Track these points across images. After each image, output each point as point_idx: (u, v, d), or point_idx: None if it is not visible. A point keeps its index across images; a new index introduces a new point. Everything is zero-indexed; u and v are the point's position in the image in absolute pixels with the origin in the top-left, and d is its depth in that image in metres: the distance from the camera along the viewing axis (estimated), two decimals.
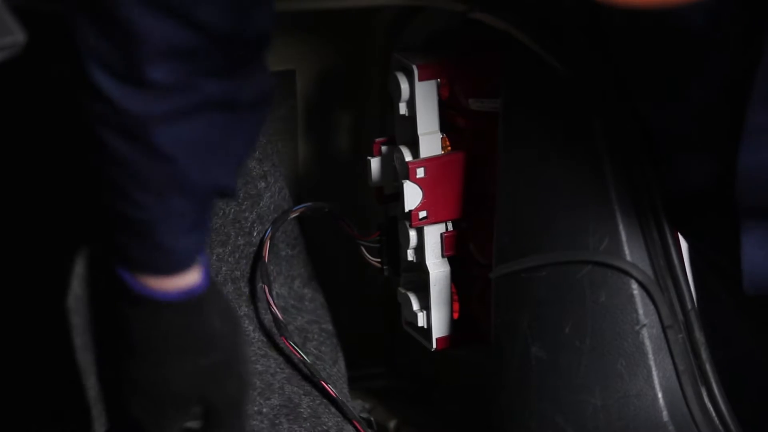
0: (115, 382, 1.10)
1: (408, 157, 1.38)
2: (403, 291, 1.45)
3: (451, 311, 1.41)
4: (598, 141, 1.23)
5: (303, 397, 1.40)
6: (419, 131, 1.36)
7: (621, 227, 1.23)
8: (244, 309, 1.44)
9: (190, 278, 1.05)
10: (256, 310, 1.45)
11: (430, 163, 1.38)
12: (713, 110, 1.09)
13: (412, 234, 1.40)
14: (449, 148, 1.41)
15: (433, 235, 1.40)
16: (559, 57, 1.23)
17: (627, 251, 1.22)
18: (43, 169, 1.29)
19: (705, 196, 1.16)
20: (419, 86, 1.33)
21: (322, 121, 1.63)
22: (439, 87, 1.38)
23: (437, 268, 1.40)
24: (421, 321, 1.42)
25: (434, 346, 1.42)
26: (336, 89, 1.61)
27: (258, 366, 1.39)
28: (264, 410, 1.35)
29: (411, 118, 1.37)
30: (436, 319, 1.40)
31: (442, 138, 1.41)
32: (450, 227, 1.44)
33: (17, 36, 0.96)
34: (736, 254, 1.12)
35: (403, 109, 1.37)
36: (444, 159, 1.41)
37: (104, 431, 1.15)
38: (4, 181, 1.30)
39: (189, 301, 1.05)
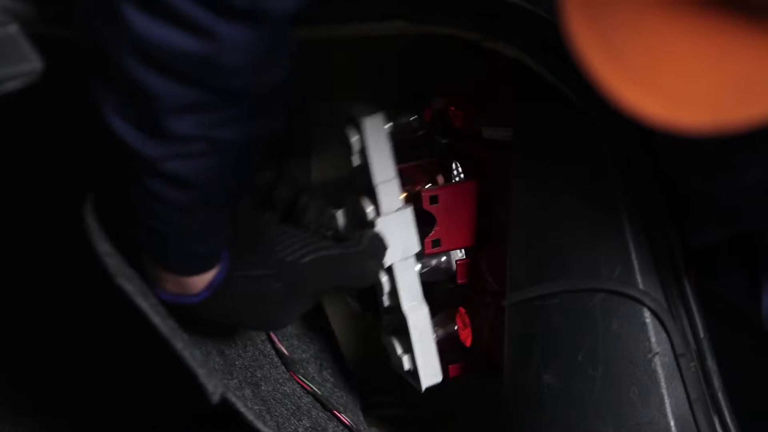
0: None
1: (368, 207, 1.33)
2: (385, 335, 1.41)
3: (436, 350, 1.36)
4: (610, 169, 1.24)
5: (328, 422, 1.40)
6: (375, 180, 1.31)
7: (633, 255, 1.23)
8: (263, 336, 1.44)
9: (212, 273, 1.11)
10: (271, 339, 1.46)
11: (443, 191, 1.39)
12: (764, 192, 1.08)
13: (384, 279, 1.35)
14: (462, 175, 1.42)
15: (407, 277, 1.33)
16: (572, 85, 1.23)
17: (639, 279, 1.22)
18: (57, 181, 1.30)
19: (722, 248, 1.17)
20: (370, 136, 1.28)
21: (334, 146, 1.63)
22: (451, 116, 1.39)
23: (415, 311, 1.35)
24: (407, 364, 1.38)
25: (423, 388, 1.38)
26: (348, 115, 1.62)
27: (286, 388, 1.39)
28: (299, 430, 1.35)
29: (366, 168, 1.33)
30: (421, 361, 1.35)
31: (455, 164, 1.41)
32: (463, 255, 1.45)
33: (34, 63, 0.97)
34: (752, 296, 1.13)
35: (356, 160, 1.34)
36: (457, 187, 1.41)
37: None
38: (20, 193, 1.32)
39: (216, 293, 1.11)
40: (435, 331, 1.34)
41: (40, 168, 1.35)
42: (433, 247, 1.39)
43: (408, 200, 1.26)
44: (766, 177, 1.07)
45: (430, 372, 1.32)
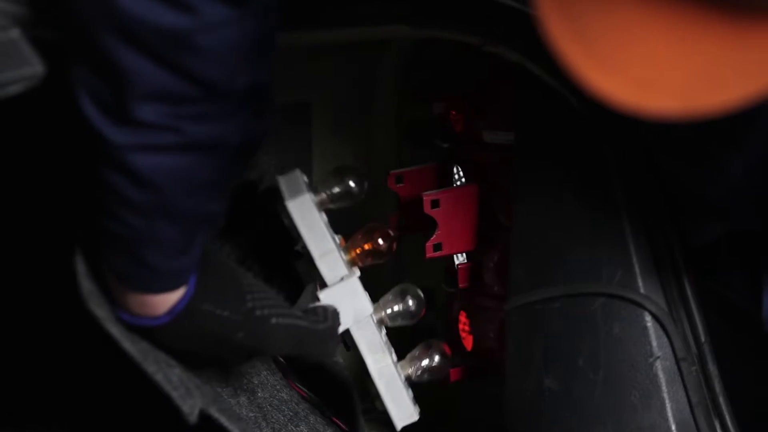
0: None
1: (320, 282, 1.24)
2: (363, 375, 1.34)
3: (407, 393, 1.29)
4: (611, 173, 1.24)
5: (326, 427, 1.40)
6: (313, 255, 1.20)
7: (635, 259, 1.23)
8: None
9: (175, 296, 1.06)
10: None
11: (444, 195, 1.39)
12: (749, 187, 1.09)
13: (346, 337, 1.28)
14: (463, 179, 1.42)
15: (365, 335, 1.25)
16: (573, 90, 1.23)
17: (641, 283, 1.22)
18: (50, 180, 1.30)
19: (722, 247, 1.17)
20: (298, 218, 1.16)
21: (336, 152, 1.63)
22: (452, 121, 1.39)
23: (378, 363, 1.28)
24: (380, 406, 1.32)
25: (398, 429, 1.31)
26: (350, 121, 1.62)
27: (283, 395, 1.39)
28: None
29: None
30: (391, 406, 1.29)
31: (455, 168, 1.41)
32: (464, 259, 1.45)
33: (36, 67, 0.97)
34: (752, 296, 1.13)
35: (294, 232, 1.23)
36: (458, 191, 1.41)
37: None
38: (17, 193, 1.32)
39: (176, 318, 1.07)
40: (415, 365, 1.31)
41: (41, 170, 1.35)
42: (435, 251, 1.39)
43: (357, 259, 1.21)
44: (747, 169, 1.08)
45: (403, 414, 1.28)
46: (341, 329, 1.17)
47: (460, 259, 1.47)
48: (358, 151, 1.64)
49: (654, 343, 1.22)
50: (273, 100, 1.09)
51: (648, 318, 1.22)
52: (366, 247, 1.14)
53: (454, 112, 1.41)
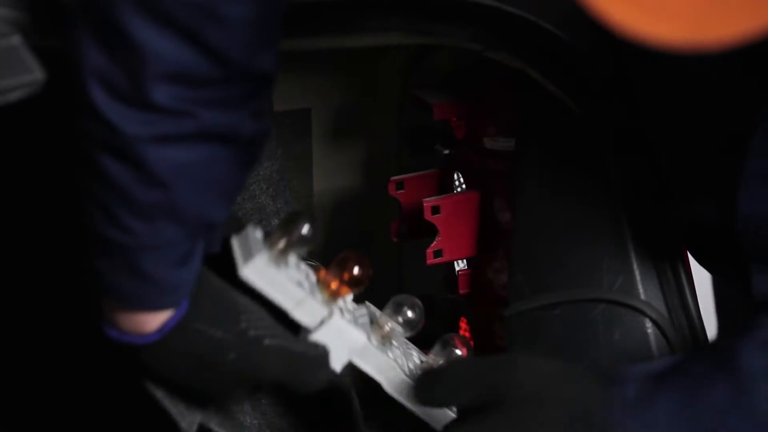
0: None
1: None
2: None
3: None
4: (612, 180, 1.24)
5: None
6: (286, 308, 1.10)
7: (635, 265, 1.23)
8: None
9: (167, 313, 1.02)
10: None
11: (444, 201, 1.39)
12: (718, 157, 1.09)
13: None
14: (464, 186, 1.42)
15: (370, 358, 1.15)
16: (574, 96, 1.23)
17: (641, 290, 1.22)
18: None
19: (713, 235, 1.16)
20: (257, 282, 1.07)
21: (336, 158, 1.63)
22: (453, 127, 1.39)
23: (393, 381, 1.17)
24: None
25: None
26: (351, 127, 1.62)
27: (287, 401, 1.39)
28: None
29: None
30: (425, 416, 1.19)
31: (456, 175, 1.41)
32: (465, 265, 1.45)
33: (37, 74, 0.97)
34: (741, 280, 1.13)
35: None
36: (459, 197, 1.41)
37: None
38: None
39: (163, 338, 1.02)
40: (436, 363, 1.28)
41: (42, 177, 1.35)
42: (435, 257, 1.39)
43: (335, 294, 1.11)
44: (713, 144, 1.08)
45: (439, 417, 1.24)
46: (341, 364, 1.13)
47: (460, 265, 1.47)
48: (359, 157, 1.64)
49: (654, 350, 1.22)
50: (272, 101, 1.08)
51: (649, 324, 1.22)
52: (344, 277, 1.10)
53: (455, 119, 1.41)
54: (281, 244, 1.06)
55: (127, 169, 0.93)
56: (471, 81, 1.41)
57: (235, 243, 1.07)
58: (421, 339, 1.62)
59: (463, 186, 1.44)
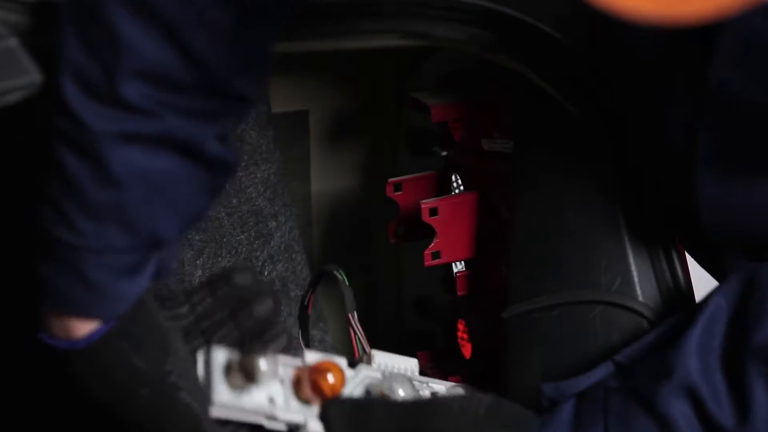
0: None
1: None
2: None
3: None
4: (609, 181, 1.24)
5: None
6: (263, 424, 1.04)
7: (633, 267, 1.23)
8: None
9: (95, 326, 0.98)
10: None
11: (442, 202, 1.39)
12: (680, 144, 1.10)
13: None
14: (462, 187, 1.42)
15: None
16: (570, 97, 1.23)
17: (639, 291, 1.22)
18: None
19: (693, 229, 1.17)
20: (217, 406, 1.00)
21: (334, 160, 1.63)
22: (451, 129, 1.39)
23: None
24: None
25: None
26: (349, 129, 1.62)
27: None
28: None
29: None
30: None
31: (454, 176, 1.41)
32: (462, 266, 1.45)
33: (33, 76, 0.97)
34: (719, 273, 1.14)
35: None
36: (457, 199, 1.41)
37: None
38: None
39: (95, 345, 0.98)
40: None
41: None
42: (433, 258, 1.39)
43: (311, 399, 1.03)
44: (674, 132, 1.09)
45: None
46: None
47: (458, 266, 1.47)
48: (357, 159, 1.64)
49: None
50: (269, 104, 1.07)
51: (646, 326, 1.22)
52: (318, 385, 1.04)
53: (453, 120, 1.41)
54: (239, 379, 0.99)
55: (86, 165, 0.93)
56: (469, 83, 1.42)
57: (200, 360, 1.01)
58: (420, 339, 1.63)
59: (461, 188, 1.45)
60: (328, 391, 1.03)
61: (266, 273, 1.49)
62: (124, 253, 0.97)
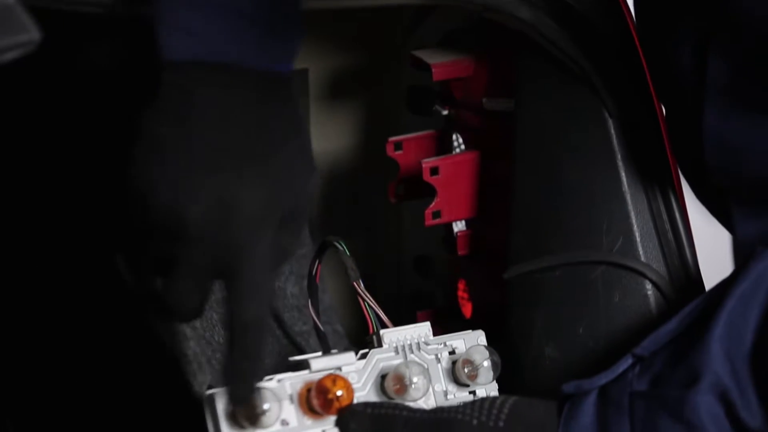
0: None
1: None
2: None
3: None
4: (612, 140, 1.23)
5: None
6: None
7: (635, 227, 1.23)
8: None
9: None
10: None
11: (443, 162, 1.38)
12: (688, 75, 1.10)
13: None
14: (463, 146, 1.41)
15: None
16: (574, 56, 1.23)
17: (641, 251, 1.22)
18: (57, 167, 1.28)
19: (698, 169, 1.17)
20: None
21: (334, 119, 1.63)
22: (452, 87, 1.38)
23: None
24: None
25: None
26: (349, 87, 1.61)
27: None
28: None
29: None
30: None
31: (455, 135, 1.40)
32: (463, 226, 1.44)
33: (32, 34, 0.96)
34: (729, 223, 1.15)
35: None
36: (458, 158, 1.41)
37: None
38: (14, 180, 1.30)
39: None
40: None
41: (38, 146, 1.33)
42: (434, 218, 1.39)
43: (329, 409, 1.04)
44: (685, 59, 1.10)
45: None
46: None
47: (459, 226, 1.46)
48: (357, 117, 1.63)
49: (654, 312, 1.22)
50: None
51: (649, 286, 1.22)
52: (328, 404, 1.05)
53: (454, 78, 1.40)
54: (244, 421, 0.99)
55: None
56: (470, 41, 1.41)
57: (206, 400, 1.01)
58: (420, 299, 1.62)
59: (462, 147, 1.44)
60: (339, 405, 1.04)
61: None
62: None
